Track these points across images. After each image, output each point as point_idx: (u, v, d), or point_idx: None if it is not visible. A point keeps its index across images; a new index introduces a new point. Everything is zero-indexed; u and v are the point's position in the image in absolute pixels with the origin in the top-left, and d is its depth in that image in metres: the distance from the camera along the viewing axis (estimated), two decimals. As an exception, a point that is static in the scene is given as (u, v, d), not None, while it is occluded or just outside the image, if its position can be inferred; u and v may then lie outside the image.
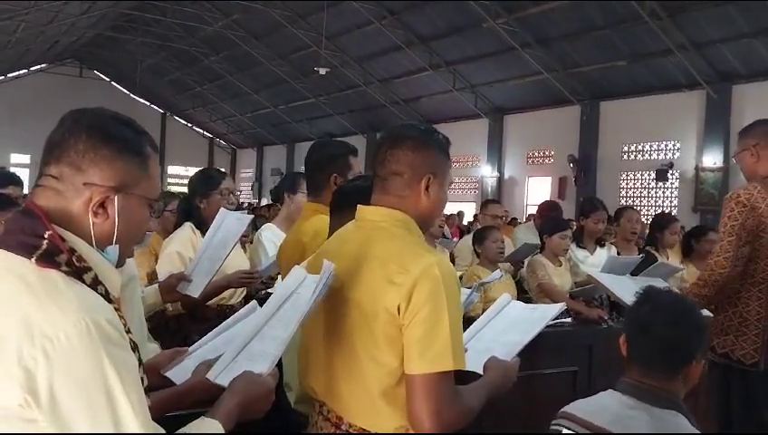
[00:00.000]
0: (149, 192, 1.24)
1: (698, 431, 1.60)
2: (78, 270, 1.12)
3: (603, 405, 1.67)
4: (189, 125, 31.26)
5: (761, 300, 2.75)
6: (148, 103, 29.57)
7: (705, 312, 2.83)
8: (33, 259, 1.10)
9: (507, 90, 17.71)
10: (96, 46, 25.69)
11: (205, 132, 31.61)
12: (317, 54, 18.12)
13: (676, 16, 12.61)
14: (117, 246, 1.21)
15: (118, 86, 29.24)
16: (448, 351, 1.43)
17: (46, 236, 1.12)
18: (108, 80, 29.28)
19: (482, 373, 1.73)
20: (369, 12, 16.50)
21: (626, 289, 3.35)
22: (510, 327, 2.07)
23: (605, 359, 3.41)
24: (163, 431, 1.16)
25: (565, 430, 1.38)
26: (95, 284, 1.14)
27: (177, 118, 30.90)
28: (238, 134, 30.47)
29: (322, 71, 17.50)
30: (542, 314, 2.10)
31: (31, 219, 1.14)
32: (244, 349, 1.52)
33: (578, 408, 1.70)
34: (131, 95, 28.60)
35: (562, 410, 1.73)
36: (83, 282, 1.13)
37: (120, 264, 1.24)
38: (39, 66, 27.48)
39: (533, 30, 14.83)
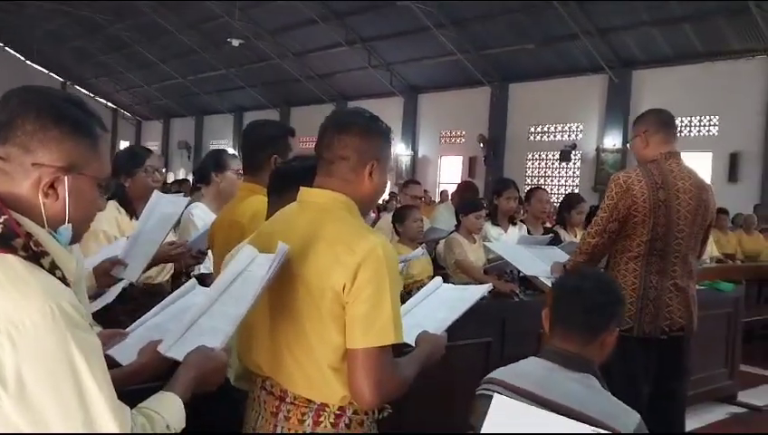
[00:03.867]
0: (99, 172, 1.25)
1: (608, 391, 1.80)
2: (36, 255, 1.12)
3: (527, 370, 1.83)
4: (92, 95, 29.64)
5: (636, 272, 3.02)
6: (47, 71, 27.88)
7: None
8: None
9: (421, 69, 17.95)
10: (-12, 8, 24.05)
11: (108, 103, 30.17)
12: (229, 25, 17.70)
13: (583, 3, 13.17)
14: (70, 225, 1.21)
15: (12, 52, 27.48)
16: (390, 326, 1.52)
17: (2, 220, 1.11)
18: (1, 45, 27.42)
19: (414, 346, 1.86)
20: (284, -16, 16.26)
21: (522, 258, 3.62)
22: (440, 305, 2.25)
23: (517, 330, 3.66)
24: (128, 409, 1.18)
25: (495, 394, 1.52)
26: (53, 268, 1.14)
27: (78, 87, 29.25)
28: (144, 105, 29.35)
29: (235, 42, 17.14)
30: (471, 294, 2.31)
31: None
32: (193, 325, 1.54)
33: (504, 374, 1.85)
34: (27, 62, 26.96)
35: (489, 376, 1.87)
36: (42, 266, 1.12)
37: (74, 241, 1.25)
38: None
39: (448, 10, 15.07)
